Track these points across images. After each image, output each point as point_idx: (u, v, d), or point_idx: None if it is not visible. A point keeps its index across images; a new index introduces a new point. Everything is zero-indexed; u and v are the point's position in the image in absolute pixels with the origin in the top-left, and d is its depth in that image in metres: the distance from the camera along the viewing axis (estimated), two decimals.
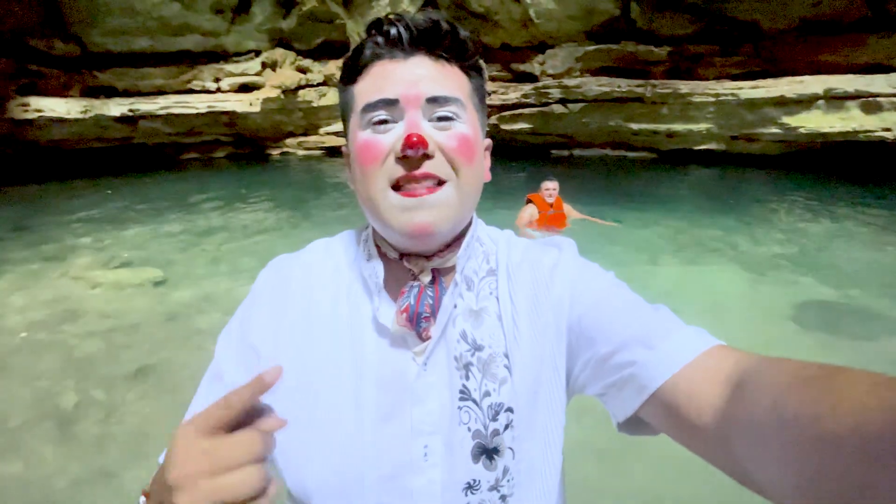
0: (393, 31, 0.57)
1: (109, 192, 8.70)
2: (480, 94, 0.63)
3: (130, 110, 11.01)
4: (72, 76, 11.02)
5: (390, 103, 0.56)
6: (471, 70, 0.61)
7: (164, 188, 8.94)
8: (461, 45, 0.59)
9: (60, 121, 10.48)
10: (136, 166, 11.13)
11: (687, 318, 0.55)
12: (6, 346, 3.26)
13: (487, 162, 0.66)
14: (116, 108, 10.92)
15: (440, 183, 0.56)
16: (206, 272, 4.61)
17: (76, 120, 10.58)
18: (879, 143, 9.48)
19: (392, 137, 0.56)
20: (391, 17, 0.58)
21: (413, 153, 0.54)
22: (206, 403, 0.58)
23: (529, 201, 5.05)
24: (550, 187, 4.99)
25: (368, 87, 0.57)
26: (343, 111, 0.63)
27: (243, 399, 0.40)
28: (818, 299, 3.91)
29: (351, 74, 0.60)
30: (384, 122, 0.56)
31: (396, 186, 0.56)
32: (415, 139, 0.53)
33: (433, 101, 0.56)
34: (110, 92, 11.29)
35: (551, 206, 5.01)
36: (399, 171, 0.56)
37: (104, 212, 7.13)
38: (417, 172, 0.55)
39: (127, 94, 11.36)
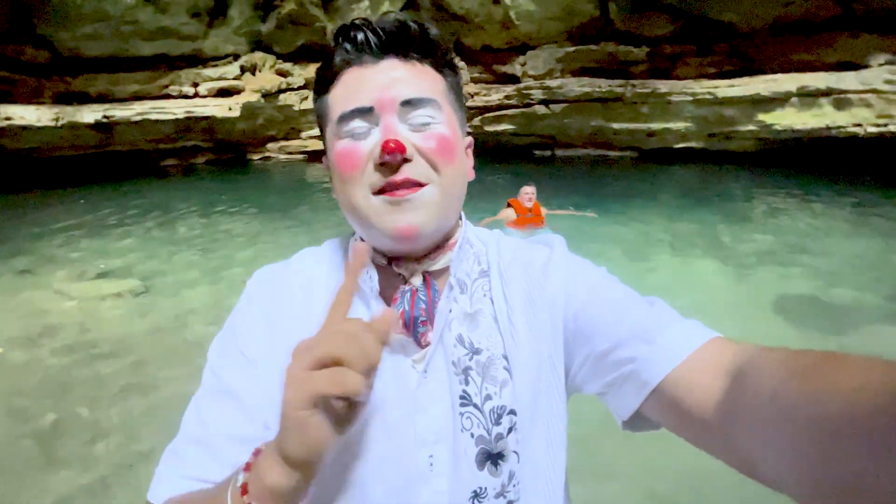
0: (360, 36, 0.56)
1: (83, 201, 8.47)
2: (456, 91, 0.63)
3: (105, 117, 10.73)
4: (42, 82, 10.71)
5: (365, 111, 0.56)
6: (444, 68, 0.61)
7: (143, 196, 8.74)
8: (431, 44, 0.59)
9: (31, 128, 10.18)
10: (112, 174, 10.86)
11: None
12: None
13: (470, 161, 0.66)
14: (90, 114, 10.63)
15: (422, 185, 0.56)
16: (189, 281, 4.51)
17: (48, 127, 10.27)
18: (851, 138, 9.76)
19: (370, 144, 0.56)
20: (357, 21, 0.58)
21: (391, 158, 0.54)
22: (220, 422, 0.56)
23: (509, 205, 5.26)
24: (529, 192, 5.21)
25: (342, 96, 0.57)
26: (319, 121, 0.63)
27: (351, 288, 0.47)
28: (799, 292, 4.00)
29: (324, 83, 0.60)
30: (360, 129, 0.56)
31: (378, 191, 0.56)
32: (392, 145, 0.53)
33: (408, 104, 0.56)
34: (83, 98, 11.00)
35: (529, 210, 5.22)
36: (379, 179, 0.55)
37: (80, 222, 6.93)
38: (398, 178, 0.55)
39: (101, 99, 11.08)
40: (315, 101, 0.62)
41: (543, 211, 5.37)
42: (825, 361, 0.36)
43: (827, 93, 9.64)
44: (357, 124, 0.56)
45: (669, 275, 4.51)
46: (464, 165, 0.62)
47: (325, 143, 0.62)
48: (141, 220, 6.95)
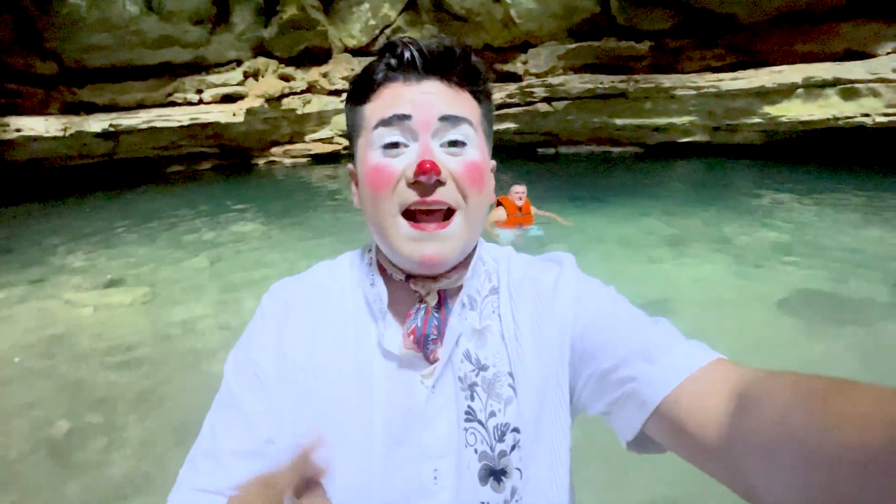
0: (407, 53, 0.58)
1: (88, 210, 8.55)
2: (489, 121, 0.64)
3: (111, 125, 10.85)
4: (50, 94, 10.84)
5: (403, 118, 0.56)
6: (481, 95, 0.62)
7: (150, 203, 8.82)
8: (473, 70, 0.60)
9: (40, 139, 10.30)
10: (119, 182, 10.97)
11: (679, 312, 0.56)
12: None
13: (491, 182, 0.67)
14: (97, 124, 10.75)
15: (450, 211, 0.57)
16: (198, 288, 4.54)
17: (56, 138, 10.40)
18: (859, 128, 9.64)
19: (404, 162, 0.57)
20: (405, 40, 0.59)
21: (426, 179, 0.55)
22: (226, 435, 0.58)
23: (500, 203, 5.20)
24: (519, 191, 5.15)
25: (381, 107, 0.58)
26: (351, 130, 0.63)
27: (287, 481, 0.47)
28: (808, 286, 3.95)
29: (362, 93, 0.60)
30: (396, 145, 0.57)
31: (407, 212, 0.57)
32: (428, 165, 0.54)
33: (445, 119, 0.57)
34: (90, 108, 11.13)
35: (520, 209, 5.17)
36: (411, 196, 0.56)
37: (89, 231, 7.01)
38: (429, 198, 0.56)
39: (107, 109, 11.20)
40: (348, 110, 0.63)
41: (533, 210, 5.34)
42: (835, 388, 0.35)
43: (833, 83, 9.53)
44: (394, 136, 0.57)
45: (674, 271, 4.49)
46: (489, 192, 0.64)
47: (353, 152, 0.63)
48: (148, 227, 7.01)
